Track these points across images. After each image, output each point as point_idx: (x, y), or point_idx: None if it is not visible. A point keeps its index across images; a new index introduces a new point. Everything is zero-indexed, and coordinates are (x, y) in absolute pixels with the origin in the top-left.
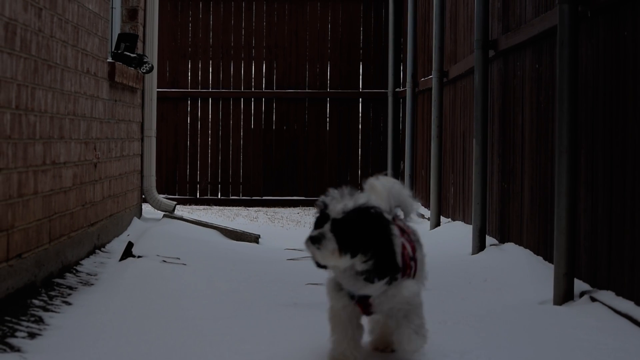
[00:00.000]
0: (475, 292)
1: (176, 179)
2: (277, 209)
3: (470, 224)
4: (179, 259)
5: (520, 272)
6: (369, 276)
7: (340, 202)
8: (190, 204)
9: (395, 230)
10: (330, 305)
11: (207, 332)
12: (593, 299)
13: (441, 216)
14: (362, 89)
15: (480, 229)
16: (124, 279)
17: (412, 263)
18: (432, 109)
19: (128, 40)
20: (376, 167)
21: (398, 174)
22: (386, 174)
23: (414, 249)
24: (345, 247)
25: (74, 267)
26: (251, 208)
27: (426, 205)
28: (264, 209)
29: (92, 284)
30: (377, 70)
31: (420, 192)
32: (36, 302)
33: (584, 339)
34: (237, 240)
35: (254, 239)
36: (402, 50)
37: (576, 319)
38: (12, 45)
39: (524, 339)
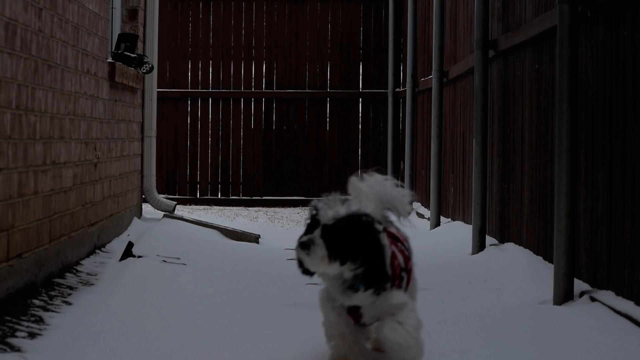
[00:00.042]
0: (475, 292)
1: (176, 179)
2: (277, 209)
3: (470, 224)
4: (179, 259)
5: (520, 272)
6: (356, 285)
7: (332, 208)
8: (190, 204)
9: (386, 240)
10: (325, 319)
11: (207, 332)
12: (593, 299)
13: (441, 216)
14: (362, 89)
15: (480, 229)
16: (124, 279)
17: (404, 274)
18: (432, 109)
19: (128, 40)
20: (376, 167)
21: (398, 174)
22: (374, 172)
23: (406, 259)
24: (335, 254)
25: (74, 267)
26: (251, 208)
27: (426, 205)
28: (264, 209)
29: (92, 284)
30: (377, 70)
31: (420, 192)
32: (36, 302)
33: (584, 338)
34: (237, 240)
35: (254, 239)
36: (402, 50)
37: (576, 318)
38: (13, 46)
39: (524, 338)
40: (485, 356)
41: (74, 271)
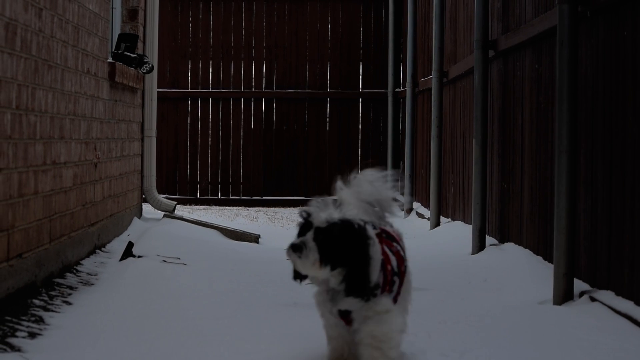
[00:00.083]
0: (475, 292)
1: (176, 179)
2: (277, 209)
3: (470, 223)
4: (179, 258)
5: (520, 272)
6: (340, 291)
7: (325, 211)
8: (190, 204)
9: (377, 247)
10: (325, 321)
11: (207, 332)
12: (593, 299)
13: (441, 216)
14: (362, 89)
15: (480, 229)
16: (124, 278)
17: (396, 278)
18: (432, 109)
19: (128, 40)
20: (376, 167)
21: (398, 174)
22: (365, 169)
23: (400, 260)
24: (326, 258)
25: (74, 267)
26: (251, 208)
27: (426, 205)
28: (264, 208)
29: (93, 284)
30: (377, 70)
31: (420, 192)
32: (36, 302)
33: (584, 338)
34: (237, 240)
35: (254, 239)
36: (402, 50)
37: (576, 318)
38: (13, 46)
39: (524, 338)
40: (485, 356)
41: (74, 271)
